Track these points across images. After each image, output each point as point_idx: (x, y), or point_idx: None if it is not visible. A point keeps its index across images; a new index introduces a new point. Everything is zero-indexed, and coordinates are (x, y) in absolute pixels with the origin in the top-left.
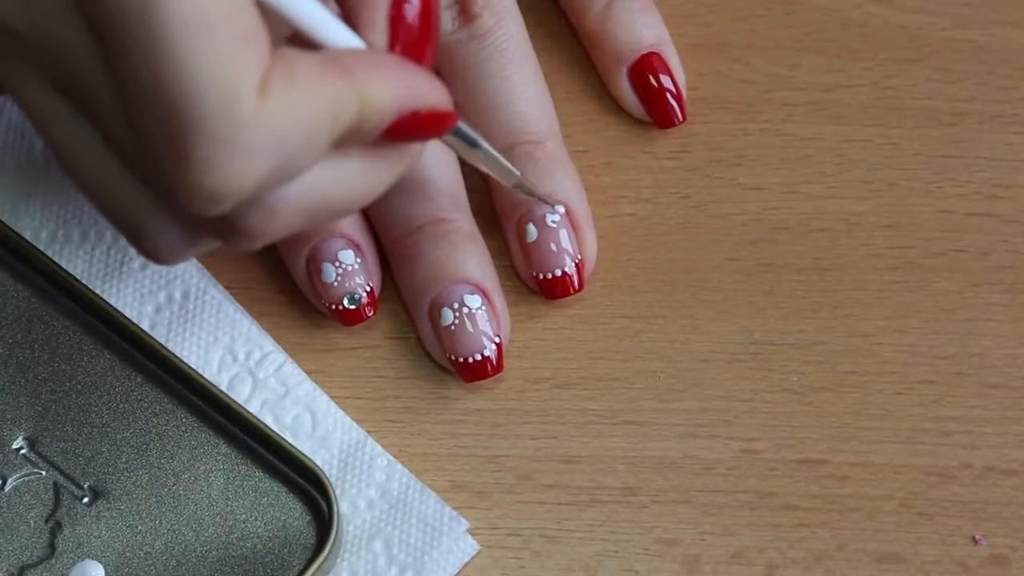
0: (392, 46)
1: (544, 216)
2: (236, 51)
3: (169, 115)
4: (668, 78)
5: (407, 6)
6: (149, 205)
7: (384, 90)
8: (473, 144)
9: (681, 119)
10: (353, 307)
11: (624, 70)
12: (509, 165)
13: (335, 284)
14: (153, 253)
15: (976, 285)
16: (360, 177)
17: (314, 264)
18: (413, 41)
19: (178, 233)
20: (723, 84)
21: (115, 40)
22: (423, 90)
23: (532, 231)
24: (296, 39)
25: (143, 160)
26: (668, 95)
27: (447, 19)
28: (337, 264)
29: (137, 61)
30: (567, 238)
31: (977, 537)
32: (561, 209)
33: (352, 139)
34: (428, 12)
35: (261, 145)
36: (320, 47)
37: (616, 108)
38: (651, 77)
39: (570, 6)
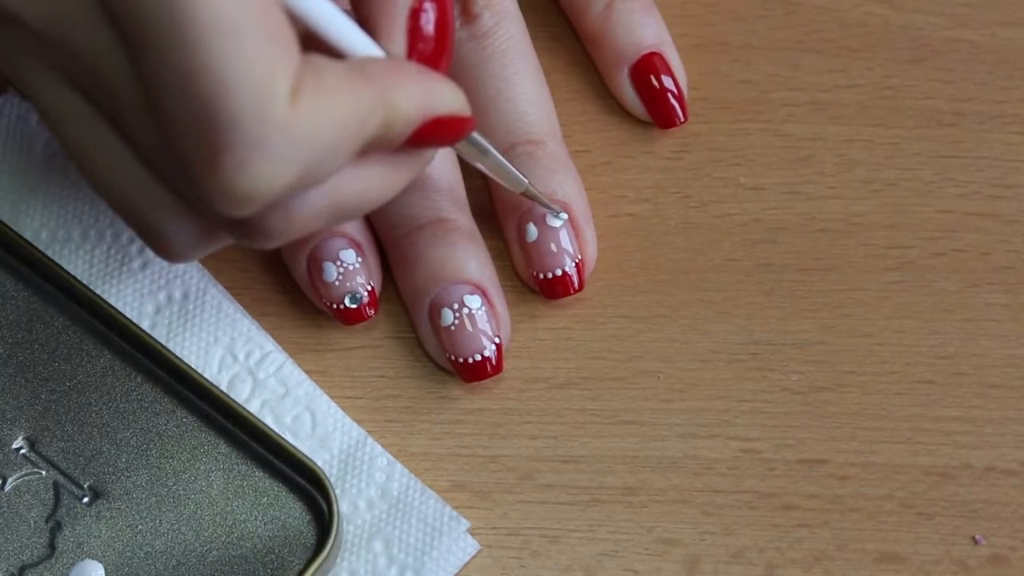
0: (410, 54)
1: (544, 216)
2: (269, 54)
3: (201, 116)
4: (669, 78)
5: (424, 16)
6: (166, 204)
7: (409, 98)
8: (484, 151)
9: (682, 119)
10: (354, 306)
11: (625, 70)
12: (518, 173)
13: (336, 283)
14: (167, 251)
15: (976, 285)
16: (379, 180)
17: (315, 263)
18: (430, 50)
19: (194, 232)
20: (723, 84)
21: (143, 40)
22: (445, 97)
23: (532, 231)
24: (312, 44)
25: (164, 160)
26: (669, 95)
27: None
28: (338, 263)
29: (168, 62)
30: (567, 238)
31: (977, 537)
32: (564, 216)
33: (376, 146)
34: (444, 21)
35: (292, 149)
36: (340, 55)
37: (616, 108)
38: (652, 77)
39: (571, 6)
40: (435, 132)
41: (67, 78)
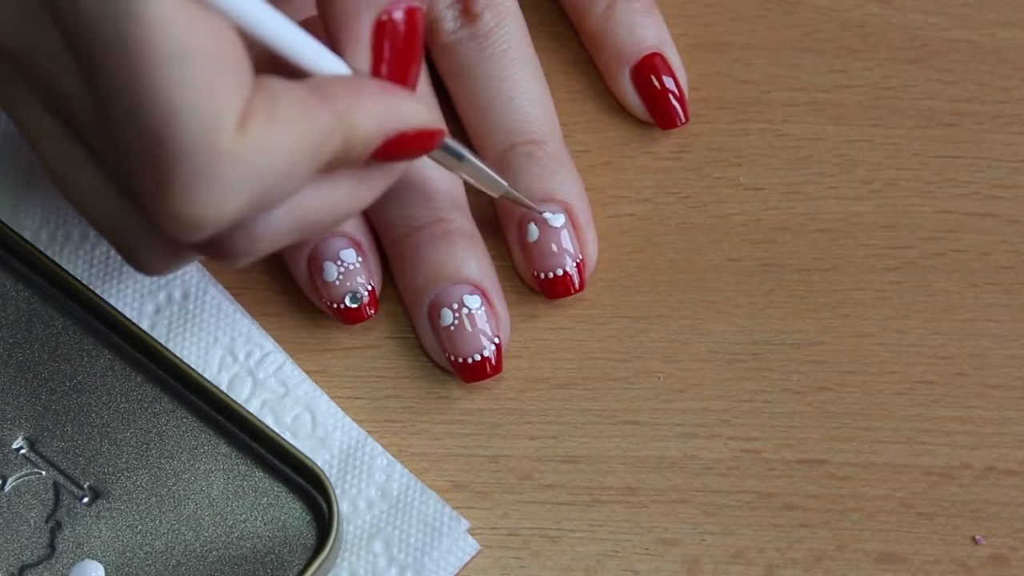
0: (376, 69)
1: (545, 216)
2: (217, 82)
3: (148, 145)
4: (670, 79)
5: (389, 30)
6: (136, 221)
7: (368, 117)
8: (460, 157)
9: (683, 120)
10: (355, 306)
11: (626, 71)
12: (496, 176)
13: (336, 283)
14: (140, 267)
15: (976, 285)
16: (347, 196)
17: (315, 263)
18: (396, 63)
19: (165, 249)
20: (723, 84)
21: (95, 65)
22: (407, 112)
23: (533, 231)
24: (279, 64)
25: (127, 180)
26: (671, 96)
27: (449, 19)
28: (339, 263)
29: (118, 90)
30: (568, 238)
31: (977, 537)
32: (561, 219)
33: (338, 164)
34: (412, 34)
35: (240, 177)
36: (303, 73)
37: (616, 108)
38: (653, 78)
39: (572, 6)
40: (400, 147)
41: (41, 100)
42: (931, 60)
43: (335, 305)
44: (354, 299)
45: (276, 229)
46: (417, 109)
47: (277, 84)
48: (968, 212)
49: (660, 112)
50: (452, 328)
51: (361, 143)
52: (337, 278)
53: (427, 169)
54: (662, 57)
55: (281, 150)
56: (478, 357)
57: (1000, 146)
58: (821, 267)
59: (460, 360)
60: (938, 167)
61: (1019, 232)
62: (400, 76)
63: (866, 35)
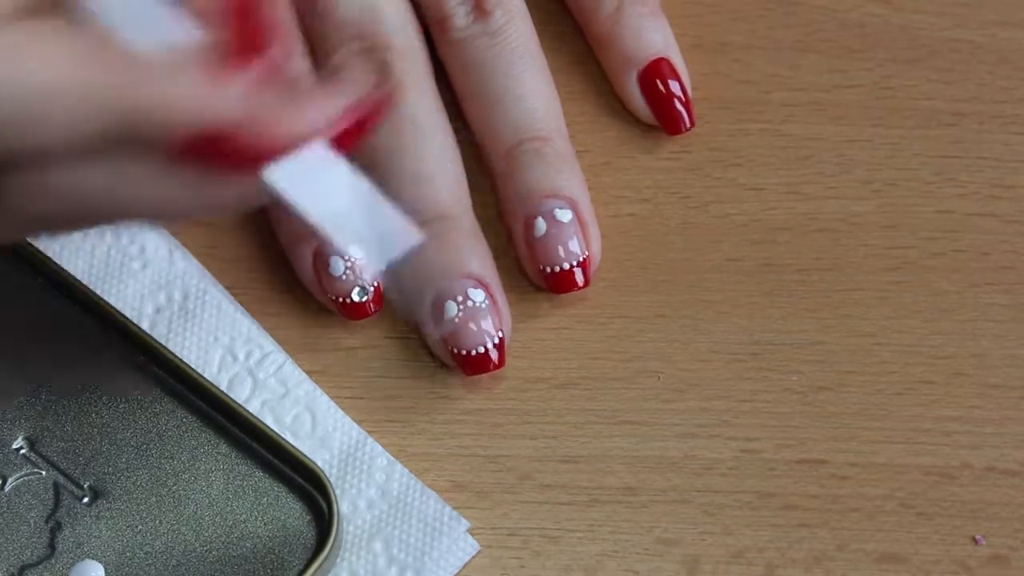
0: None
1: (553, 212)
2: None
3: None
4: (677, 84)
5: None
6: None
7: (173, 96)
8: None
9: (689, 125)
10: (362, 300)
11: (634, 75)
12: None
13: (344, 278)
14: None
15: (976, 285)
16: (143, 184)
17: (322, 258)
18: (244, 39)
19: None
20: (723, 84)
21: None
22: (222, 103)
23: (540, 226)
24: None
25: None
26: (677, 101)
27: (460, 15)
28: (346, 258)
29: None
30: (574, 234)
31: (977, 537)
32: (568, 215)
33: (132, 140)
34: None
35: None
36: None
37: (617, 108)
38: (659, 83)
39: (579, 8)
40: (206, 151)
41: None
42: (931, 60)
43: (341, 299)
44: (362, 293)
45: (50, 191)
46: (237, 103)
47: (89, 29)
48: (968, 212)
49: (666, 117)
50: (456, 321)
51: (156, 119)
52: (344, 273)
53: (431, 164)
54: (669, 63)
55: (44, 64)
56: (481, 350)
57: (1000, 146)
58: (821, 267)
59: (463, 353)
60: (938, 167)
61: (1019, 232)
62: (248, 46)
63: (866, 35)
